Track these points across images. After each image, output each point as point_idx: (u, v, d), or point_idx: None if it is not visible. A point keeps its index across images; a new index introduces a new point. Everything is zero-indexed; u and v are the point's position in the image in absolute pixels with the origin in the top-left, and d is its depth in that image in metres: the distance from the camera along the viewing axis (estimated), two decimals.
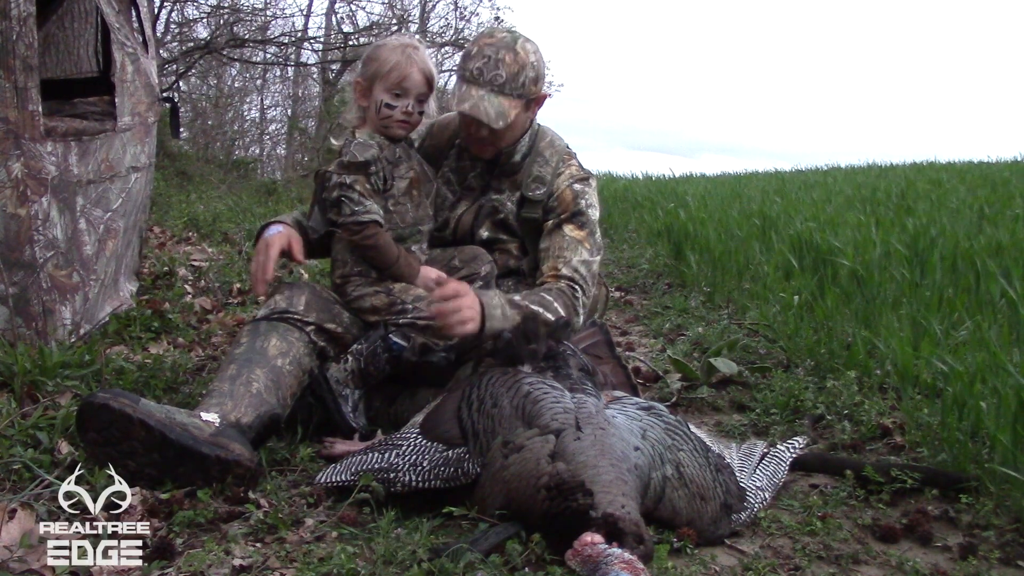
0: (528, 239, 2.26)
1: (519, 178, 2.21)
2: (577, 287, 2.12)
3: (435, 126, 2.29)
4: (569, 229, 2.17)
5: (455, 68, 2.27)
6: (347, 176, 1.99)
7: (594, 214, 2.22)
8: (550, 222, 2.19)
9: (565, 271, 2.13)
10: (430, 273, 2.09)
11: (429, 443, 1.66)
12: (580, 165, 2.26)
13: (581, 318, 2.14)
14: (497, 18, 11.40)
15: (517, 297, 2.02)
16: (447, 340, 2.01)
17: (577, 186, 2.20)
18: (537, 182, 2.20)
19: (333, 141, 2.11)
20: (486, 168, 2.23)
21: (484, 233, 2.23)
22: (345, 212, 1.99)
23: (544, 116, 2.28)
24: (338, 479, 1.65)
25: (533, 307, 2.00)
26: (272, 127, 13.74)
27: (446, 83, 10.12)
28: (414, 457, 1.62)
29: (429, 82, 2.06)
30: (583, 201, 2.19)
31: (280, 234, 2.09)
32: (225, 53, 8.97)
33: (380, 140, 2.04)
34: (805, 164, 12.82)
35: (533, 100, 2.13)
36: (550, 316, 2.01)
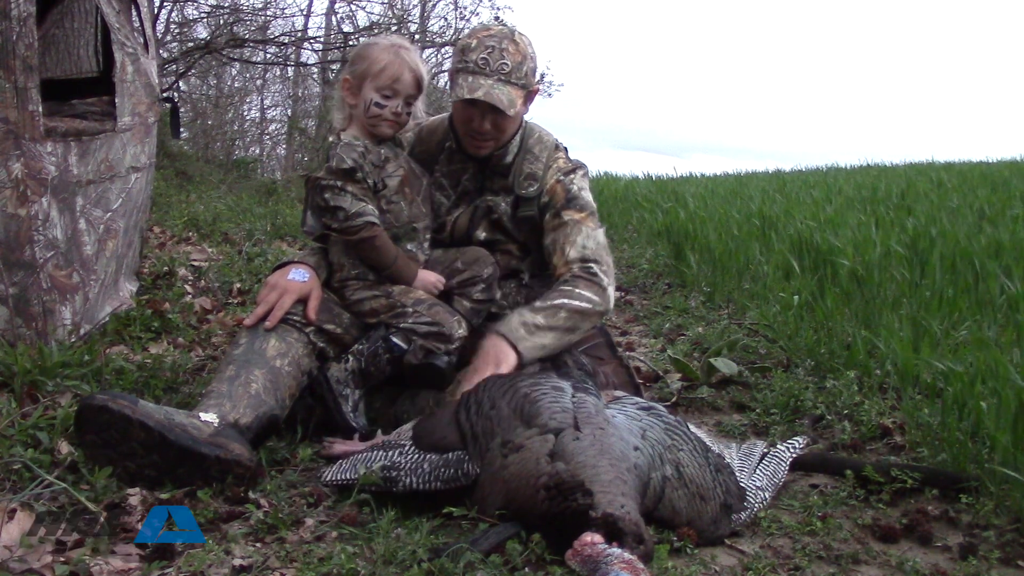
0: (528, 239, 2.25)
1: (510, 179, 2.19)
2: (591, 263, 2.13)
3: (423, 130, 2.24)
4: (568, 215, 2.17)
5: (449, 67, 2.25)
6: (337, 180, 1.99)
7: (587, 196, 2.21)
8: (547, 217, 2.19)
9: (573, 254, 2.13)
10: (429, 276, 2.08)
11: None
12: (568, 158, 2.25)
13: (611, 290, 2.15)
14: (497, 18, 11.39)
15: (538, 303, 2.05)
16: (449, 344, 2.01)
17: (564, 177, 2.19)
18: (529, 179, 2.19)
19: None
20: (478, 169, 2.20)
21: (481, 234, 2.21)
22: (340, 216, 1.98)
23: (531, 114, 2.27)
24: (342, 477, 1.65)
25: (555, 302, 2.04)
26: (272, 127, 13.73)
27: (446, 83, 10.10)
28: (415, 457, 1.62)
29: (419, 84, 2.04)
30: (573, 187, 2.19)
31: (304, 284, 1.99)
32: (225, 53, 8.95)
33: (365, 142, 2.03)
34: (803, 164, 12.84)
35: (529, 93, 2.11)
36: (578, 303, 2.05)
